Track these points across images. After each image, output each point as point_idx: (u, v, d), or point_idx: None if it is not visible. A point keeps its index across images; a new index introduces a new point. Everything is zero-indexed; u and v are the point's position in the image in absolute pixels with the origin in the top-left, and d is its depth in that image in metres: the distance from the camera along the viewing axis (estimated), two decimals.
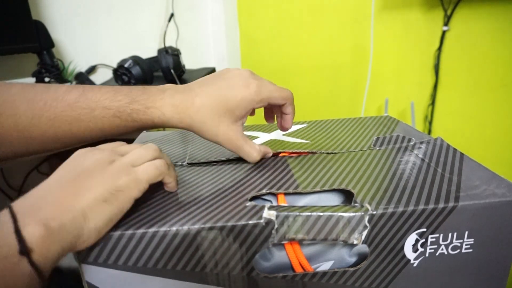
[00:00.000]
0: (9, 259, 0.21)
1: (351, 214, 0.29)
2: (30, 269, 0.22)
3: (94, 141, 0.39)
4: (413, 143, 0.41)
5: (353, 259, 0.33)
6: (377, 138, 0.43)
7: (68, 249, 0.25)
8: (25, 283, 0.22)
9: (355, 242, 0.30)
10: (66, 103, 0.36)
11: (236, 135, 0.38)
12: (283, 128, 0.42)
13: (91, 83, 1.12)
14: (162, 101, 0.37)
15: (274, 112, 0.43)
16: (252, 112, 0.41)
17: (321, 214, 0.29)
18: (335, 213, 0.29)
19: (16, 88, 0.36)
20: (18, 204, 0.24)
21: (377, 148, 0.41)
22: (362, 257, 0.32)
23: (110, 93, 0.37)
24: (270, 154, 0.41)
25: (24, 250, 0.22)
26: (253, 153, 0.39)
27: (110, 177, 0.28)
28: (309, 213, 0.29)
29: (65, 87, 0.37)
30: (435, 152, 0.38)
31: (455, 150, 0.39)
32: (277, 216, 0.29)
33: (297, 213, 0.29)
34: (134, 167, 0.30)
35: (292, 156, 0.40)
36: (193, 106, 0.37)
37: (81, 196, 0.26)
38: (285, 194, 0.34)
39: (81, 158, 0.30)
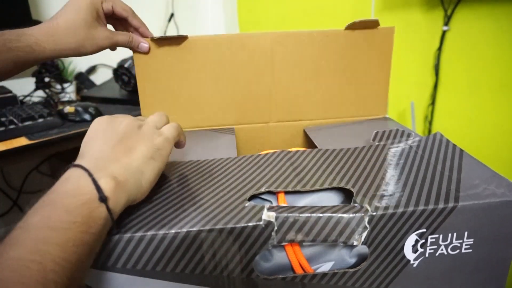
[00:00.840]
0: (91, 205, 0.25)
1: (351, 215, 0.29)
2: (107, 214, 0.26)
3: None
4: (412, 138, 0.41)
5: (353, 260, 0.32)
6: (376, 133, 0.43)
7: (132, 199, 0.29)
8: (101, 225, 0.25)
9: (355, 243, 0.30)
10: None
11: (109, 33, 0.48)
12: (143, 36, 0.51)
13: (91, 83, 1.12)
14: (32, 29, 0.44)
15: (130, 32, 0.51)
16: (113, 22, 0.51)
17: (321, 215, 0.29)
18: (335, 214, 0.29)
19: None
20: (84, 163, 0.27)
21: (376, 143, 0.41)
22: (362, 258, 0.32)
23: None
24: (138, 41, 0.50)
25: (104, 197, 0.25)
26: (124, 37, 0.49)
27: (147, 139, 0.32)
28: (309, 214, 0.29)
29: None
30: (434, 148, 0.38)
31: (454, 146, 0.38)
32: (276, 218, 0.29)
33: (297, 214, 0.29)
34: (158, 129, 0.34)
35: (290, 152, 0.39)
36: (59, 26, 0.45)
37: (133, 155, 0.30)
38: (285, 193, 0.33)
39: (109, 125, 0.32)
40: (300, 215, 0.29)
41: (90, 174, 0.26)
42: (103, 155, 0.29)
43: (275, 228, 0.29)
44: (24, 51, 0.43)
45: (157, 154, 0.31)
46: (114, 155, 0.29)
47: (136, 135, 0.32)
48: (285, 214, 0.29)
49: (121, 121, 0.33)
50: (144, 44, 0.49)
